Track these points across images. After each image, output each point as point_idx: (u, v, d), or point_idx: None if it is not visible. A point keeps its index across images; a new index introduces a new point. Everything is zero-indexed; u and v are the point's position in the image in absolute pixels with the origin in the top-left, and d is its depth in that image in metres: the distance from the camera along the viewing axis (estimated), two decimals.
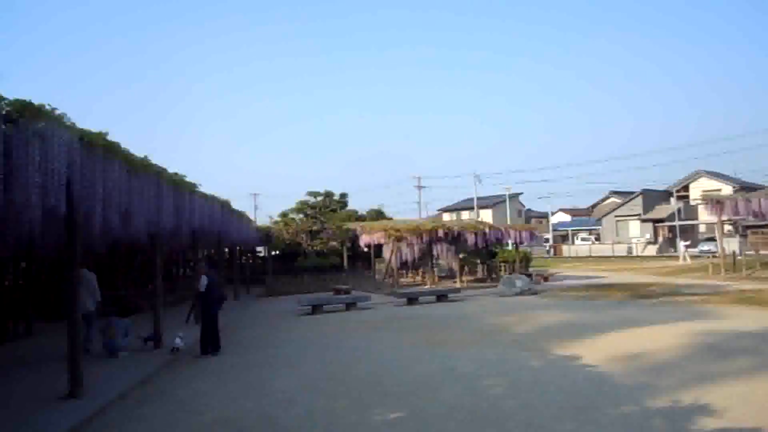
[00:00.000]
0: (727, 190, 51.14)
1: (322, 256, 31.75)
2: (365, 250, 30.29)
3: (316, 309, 16.67)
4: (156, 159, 9.60)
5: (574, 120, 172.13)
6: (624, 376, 7.69)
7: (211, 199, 13.86)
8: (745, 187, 49.72)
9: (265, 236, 28.10)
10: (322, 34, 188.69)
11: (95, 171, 6.91)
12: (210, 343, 10.48)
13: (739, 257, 30.04)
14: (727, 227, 47.63)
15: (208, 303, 10.68)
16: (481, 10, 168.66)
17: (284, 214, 40.75)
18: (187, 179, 11.42)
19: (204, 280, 10.63)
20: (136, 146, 8.47)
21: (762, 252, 35.41)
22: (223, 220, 15.23)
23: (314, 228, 34.73)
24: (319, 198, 41.23)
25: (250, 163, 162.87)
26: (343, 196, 42.61)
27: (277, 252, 33.02)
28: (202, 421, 6.35)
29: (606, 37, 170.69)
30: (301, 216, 39.87)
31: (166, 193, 9.81)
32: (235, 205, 17.77)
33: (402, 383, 7.68)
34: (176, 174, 10.71)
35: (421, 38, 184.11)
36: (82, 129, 6.74)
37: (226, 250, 26.44)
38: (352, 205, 42.77)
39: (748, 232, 50.02)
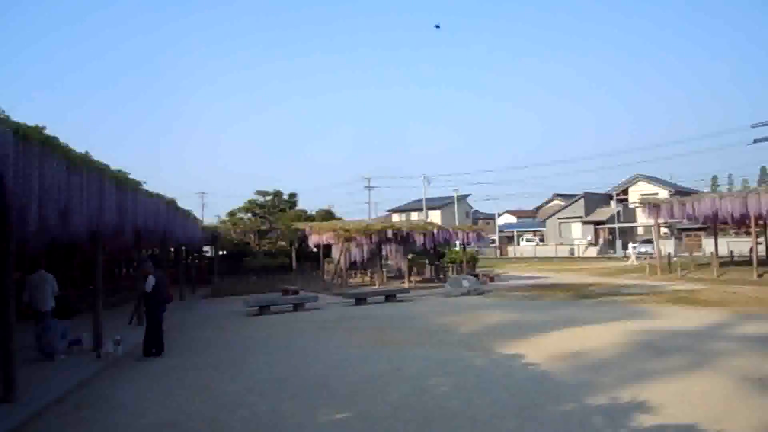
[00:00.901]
0: (663, 194, 53.24)
1: (270, 257, 31.44)
2: (314, 250, 30.16)
3: (263, 310, 16.49)
4: (102, 156, 9.34)
5: (522, 124, 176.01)
6: (565, 374, 7.92)
7: (156, 197, 13.52)
8: (681, 192, 51.98)
9: (212, 236, 27.62)
10: (270, 28, 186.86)
11: (31, 166, 6.64)
12: (154, 345, 10.24)
13: (674, 259, 31.32)
14: (664, 230, 49.63)
15: (154, 304, 10.42)
16: (431, 10, 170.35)
17: (232, 214, 40.13)
18: (132, 176, 11.11)
19: (151, 281, 10.38)
20: (79, 143, 8.13)
21: (695, 254, 36.98)
22: (168, 218, 14.86)
23: (263, 228, 34.38)
24: (268, 197, 40.73)
25: (197, 162, 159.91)
26: (293, 195, 42.24)
27: (225, 252, 32.50)
28: (144, 425, 6.21)
29: (553, 43, 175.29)
30: (249, 216, 39.34)
31: (108, 190, 9.50)
32: (182, 204, 17.39)
33: (349, 384, 7.70)
34: (120, 171, 10.41)
35: (369, 40, 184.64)
36: (17, 123, 6.45)
37: (172, 249, 25.87)
38: (301, 205, 42.47)
39: (683, 234, 52.28)
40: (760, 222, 28.22)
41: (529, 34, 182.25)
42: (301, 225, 30.25)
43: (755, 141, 44.15)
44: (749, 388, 6.86)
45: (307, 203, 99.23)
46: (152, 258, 21.81)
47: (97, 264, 11.30)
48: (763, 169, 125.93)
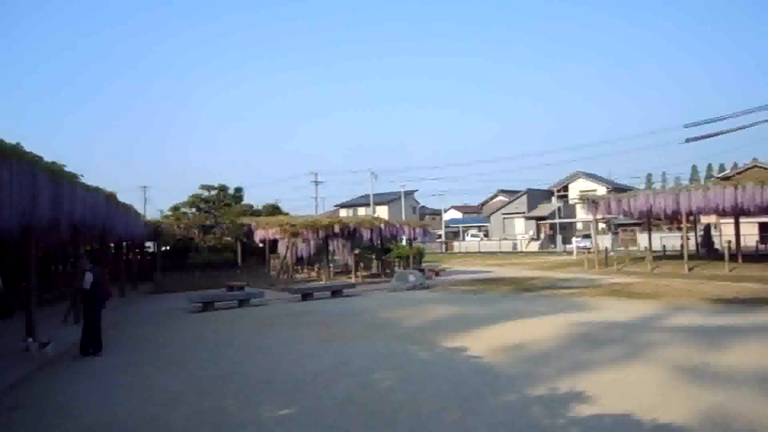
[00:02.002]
0: (601, 190, 55.12)
1: (215, 252, 30.83)
2: (260, 245, 29.80)
3: (207, 306, 16.21)
4: (42, 150, 9.00)
5: (467, 121, 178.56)
6: (506, 366, 8.11)
7: (94, 191, 13.06)
8: (618, 188, 53.87)
9: (155, 231, 26.88)
10: (209, 20, 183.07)
11: None
12: (91, 344, 9.92)
13: (611, 253, 32.49)
14: (601, 225, 51.36)
15: (92, 301, 10.09)
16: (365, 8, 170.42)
17: (176, 208, 39.20)
18: (68, 169, 10.71)
19: (89, 277, 10.03)
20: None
21: (631, 248, 38.45)
22: (107, 213, 14.38)
23: (207, 223, 33.65)
24: (213, 192, 39.99)
25: (140, 156, 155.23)
26: (238, 190, 41.61)
27: (168, 247, 31.69)
28: (81, 426, 6.02)
29: (501, 41, 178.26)
30: (193, 210, 38.52)
31: (42, 183, 9.12)
32: (123, 198, 16.87)
33: (293, 379, 7.68)
34: (54, 163, 10.02)
35: (316, 32, 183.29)
36: None
37: (112, 245, 25.06)
38: (247, 199, 41.91)
39: (619, 229, 54.25)
40: (691, 218, 29.60)
41: (480, 34, 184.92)
42: (247, 220, 29.81)
43: (687, 140, 45.96)
44: (681, 378, 7.16)
45: (254, 198, 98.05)
46: (91, 254, 21.15)
47: (30, 260, 10.85)
48: (694, 167, 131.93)
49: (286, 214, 38.92)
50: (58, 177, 10.05)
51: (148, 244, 31.99)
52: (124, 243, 25.34)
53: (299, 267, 29.94)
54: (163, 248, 30.84)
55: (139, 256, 31.12)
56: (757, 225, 40.47)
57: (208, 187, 39.97)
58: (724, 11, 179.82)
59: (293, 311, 15.51)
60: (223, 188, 40.35)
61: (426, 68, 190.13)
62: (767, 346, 8.86)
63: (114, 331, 12.21)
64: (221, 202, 39.20)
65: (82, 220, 12.11)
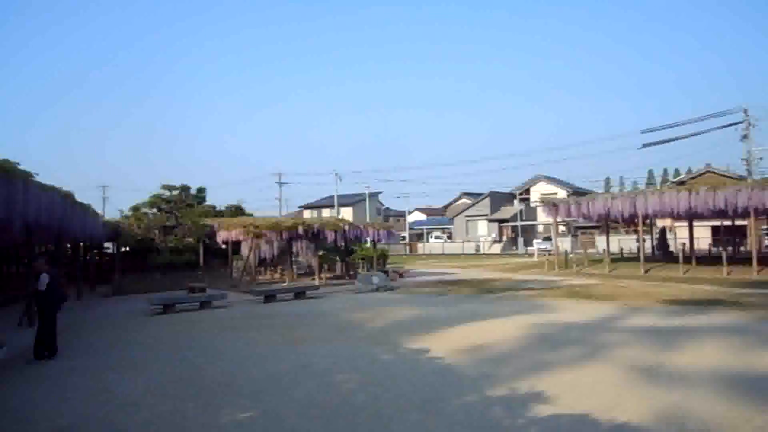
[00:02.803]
0: (562, 194, 56.15)
1: (176, 253, 30.31)
2: (223, 246, 29.43)
3: (168, 308, 15.92)
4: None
5: (432, 124, 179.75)
6: (468, 367, 8.19)
7: (50, 190, 12.72)
8: (577, 192, 55.01)
9: (114, 231, 26.29)
10: (175, 20, 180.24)
11: None
12: (46, 348, 9.65)
13: (570, 255, 33.12)
14: (562, 228, 52.33)
15: (48, 303, 9.81)
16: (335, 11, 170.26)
17: (136, 209, 38.30)
18: (21, 167, 10.42)
19: (44, 279, 9.75)
20: None
21: (590, 250, 39.25)
22: (64, 213, 14.03)
23: (169, 223, 33.10)
24: (175, 192, 39.19)
25: (99, 154, 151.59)
26: (201, 190, 40.90)
27: (128, 248, 31.02)
28: None
29: (465, 46, 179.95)
30: (154, 211, 37.71)
31: None
32: (81, 198, 16.46)
33: (255, 382, 7.62)
34: (7, 161, 9.73)
35: (287, 38, 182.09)
36: None
37: (68, 246, 24.43)
38: (210, 200, 41.19)
39: (579, 232, 55.35)
40: (647, 221, 30.40)
41: (445, 36, 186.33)
42: (209, 221, 29.37)
43: (644, 145, 47.42)
44: (637, 378, 7.32)
45: (217, 199, 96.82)
46: (47, 254, 20.58)
47: None
48: (650, 172, 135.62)
49: (250, 215, 38.49)
50: (10, 175, 9.77)
51: (107, 244, 31.27)
52: (82, 244, 24.70)
53: (262, 269, 29.69)
54: (123, 249, 30.20)
55: (97, 257, 30.40)
56: (709, 228, 41.79)
57: (170, 187, 39.20)
58: (686, 14, 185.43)
59: (256, 313, 15.37)
60: (185, 188, 39.61)
61: (392, 72, 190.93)
62: (720, 347, 9.12)
63: (70, 334, 11.92)
64: (183, 203, 38.47)
65: (37, 220, 11.79)
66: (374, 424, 5.76)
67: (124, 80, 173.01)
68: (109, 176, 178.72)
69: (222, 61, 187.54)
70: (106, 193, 74.11)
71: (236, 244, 27.87)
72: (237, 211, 39.39)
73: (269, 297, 18.30)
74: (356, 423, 5.80)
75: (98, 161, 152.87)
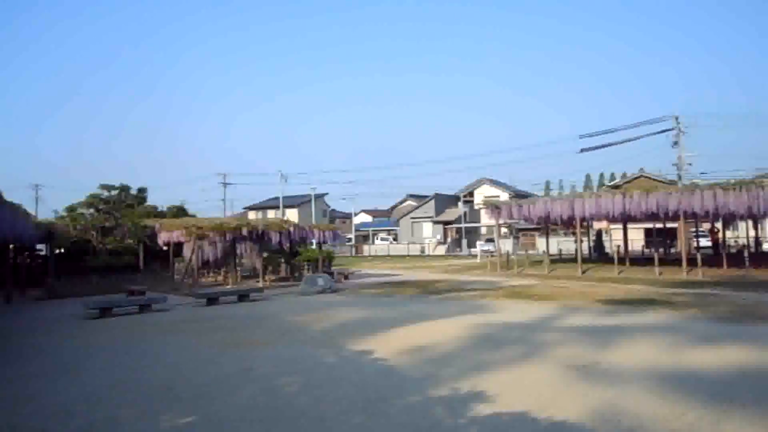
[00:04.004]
0: (504, 196, 57.27)
1: (115, 255, 29.35)
2: (164, 248, 28.73)
3: (105, 312, 15.41)
4: None
5: (378, 125, 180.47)
6: (411, 368, 8.26)
7: None
8: (519, 195, 56.30)
9: (47, 233, 25.21)
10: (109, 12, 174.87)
11: None
12: None
13: (512, 256, 33.86)
14: (504, 229, 53.44)
15: None
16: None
17: (72, 209, 36.87)
18: None
19: None
20: None
21: (531, 252, 40.25)
22: None
23: (107, 224, 32.03)
24: (114, 192, 37.96)
25: (30, 152, 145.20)
26: (142, 190, 39.78)
27: (62, 250, 29.82)
28: None
29: (412, 50, 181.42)
30: (91, 211, 36.42)
31: None
32: (11, 197, 15.74)
33: (195, 387, 7.48)
34: None
35: (227, 36, 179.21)
36: None
37: None
38: (151, 200, 40.13)
39: (520, 234, 56.69)
40: (585, 223, 31.41)
41: (392, 35, 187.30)
42: (150, 222, 28.62)
43: (582, 150, 49.04)
44: (574, 376, 7.54)
45: (159, 199, 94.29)
46: None
47: None
48: (588, 176, 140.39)
49: (193, 215, 37.73)
50: None
51: (39, 246, 30.00)
52: (11, 246, 23.59)
53: (205, 271, 29.13)
54: (58, 251, 29.03)
55: (28, 260, 29.10)
56: (643, 230, 43.51)
57: (109, 187, 37.94)
58: (623, 21, 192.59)
59: (197, 316, 15.08)
60: (125, 188, 38.42)
61: (336, 73, 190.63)
62: (652, 345, 9.47)
63: None
64: (122, 203, 37.30)
65: None
66: (316, 427, 5.76)
67: (58, 71, 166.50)
68: (42, 175, 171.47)
69: (163, 59, 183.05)
70: (39, 192, 70.88)
71: (178, 246, 27.26)
72: (179, 212, 38.52)
73: (212, 300, 17.97)
74: (298, 426, 5.78)
75: (30, 159, 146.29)
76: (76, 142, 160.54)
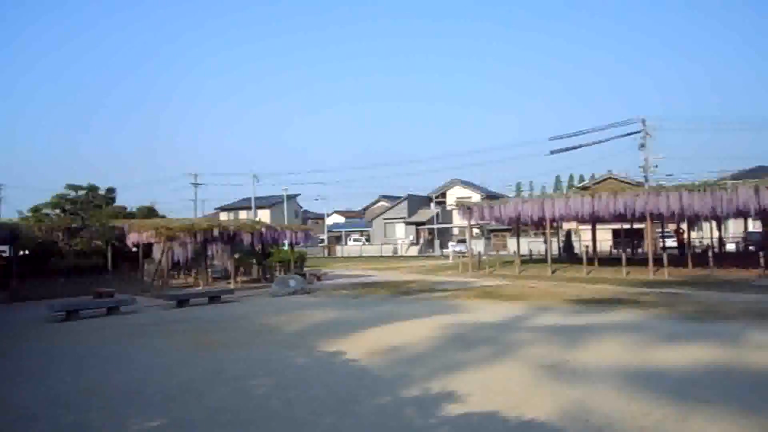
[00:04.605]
0: (476, 197, 57.77)
1: (82, 257, 28.77)
2: (134, 250, 28.25)
3: (71, 315, 15.10)
4: None
5: (351, 127, 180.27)
6: (383, 369, 8.28)
7: None
8: (491, 196, 56.80)
9: (11, 234, 24.59)
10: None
11: None
12: None
13: (484, 257, 34.16)
14: (476, 230, 53.86)
15: None
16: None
17: (36, 209, 36.04)
18: None
19: None
20: None
21: (502, 252, 40.67)
22: None
23: (74, 225, 31.38)
24: (81, 192, 37.21)
25: None
26: (110, 191, 39.07)
27: (27, 252, 29.11)
28: None
29: (386, 50, 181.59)
30: (57, 212, 35.65)
31: None
32: None
33: (164, 390, 7.39)
34: None
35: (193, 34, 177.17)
36: None
37: None
38: (120, 201, 39.47)
39: (492, 234, 57.22)
40: (554, 224, 31.83)
41: (362, 36, 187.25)
42: (119, 222, 28.13)
43: (552, 152, 49.67)
44: (544, 375, 7.65)
45: (128, 200, 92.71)
46: None
47: None
48: (557, 177, 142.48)
49: (163, 216, 37.22)
50: None
51: (2, 248, 29.24)
52: None
53: (176, 272, 28.73)
54: (22, 252, 28.33)
55: None
56: (611, 231, 44.25)
57: (76, 187, 37.18)
58: (596, 25, 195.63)
59: (167, 318, 14.89)
60: (92, 188, 37.69)
61: (308, 73, 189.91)
62: (620, 344, 9.65)
63: None
64: (90, 204, 36.60)
65: None
66: (287, 428, 5.75)
67: (24, 68, 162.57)
68: (5, 175, 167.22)
69: (134, 56, 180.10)
70: (2, 192, 69.04)
71: (148, 247, 26.83)
72: (150, 212, 37.99)
73: (182, 301, 17.76)
74: (269, 428, 5.76)
75: None
76: (42, 141, 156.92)
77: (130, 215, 35.39)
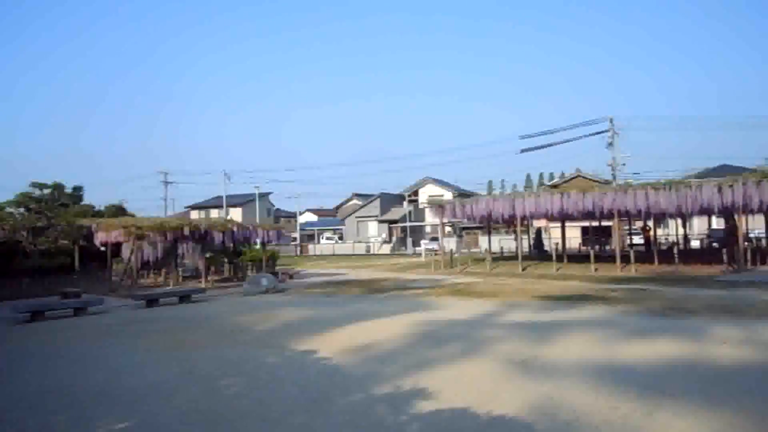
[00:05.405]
0: (448, 195, 58.13)
1: (48, 256, 28.17)
2: (102, 249, 27.76)
3: (36, 316, 14.77)
4: None
5: (323, 124, 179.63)
6: (355, 367, 8.30)
7: None
8: (463, 194, 57.27)
9: None
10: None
11: None
12: None
13: (456, 255, 34.40)
14: (448, 228, 54.21)
15: None
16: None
17: None
18: None
19: None
20: None
21: (474, 250, 40.99)
22: None
23: (39, 224, 30.72)
24: (47, 191, 36.47)
25: None
26: (77, 189, 38.35)
27: None
28: None
29: (352, 51, 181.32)
30: (21, 210, 34.86)
31: None
32: None
33: (133, 391, 7.29)
34: None
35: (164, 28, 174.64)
36: None
37: None
38: (88, 199, 38.79)
39: (464, 232, 57.66)
40: (525, 222, 32.20)
41: (334, 37, 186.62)
42: (86, 221, 27.61)
43: (522, 151, 50.25)
44: (513, 371, 7.74)
45: (96, 198, 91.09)
46: None
47: None
48: (528, 176, 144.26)
49: (132, 215, 36.68)
50: None
51: None
52: None
53: (145, 272, 28.30)
54: None
55: None
56: (579, 229, 44.96)
57: (41, 185, 36.41)
58: (565, 27, 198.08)
59: (136, 318, 14.68)
60: (58, 187, 36.95)
61: (281, 71, 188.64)
62: (588, 339, 9.82)
63: None
64: (56, 202, 35.87)
65: None
66: (259, 427, 5.73)
67: None
68: None
69: (100, 53, 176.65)
70: None
71: (117, 247, 26.37)
72: (118, 211, 37.42)
73: (151, 301, 17.52)
74: (239, 428, 5.73)
75: None
76: (4, 138, 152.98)
77: (99, 214, 34.79)
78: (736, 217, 24.21)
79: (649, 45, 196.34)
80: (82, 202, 37.64)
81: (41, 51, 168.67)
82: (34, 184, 36.38)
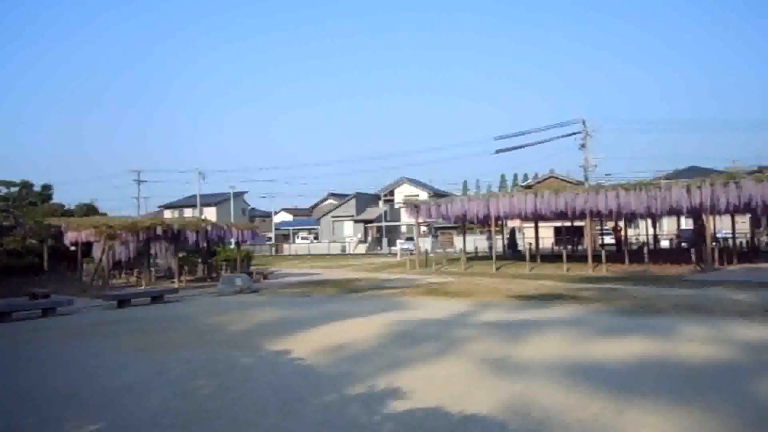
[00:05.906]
0: (424, 195, 58.34)
1: (15, 256, 27.58)
2: (72, 249, 27.28)
3: (3, 317, 14.44)
4: None
5: (299, 124, 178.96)
6: (329, 367, 8.29)
7: None
8: (438, 194, 57.55)
9: None
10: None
11: None
12: None
13: (431, 254, 34.58)
14: (423, 228, 54.40)
15: None
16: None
17: None
18: None
19: None
20: None
21: (448, 250, 41.20)
22: None
23: (6, 223, 30.06)
24: (14, 189, 35.68)
25: None
26: (46, 187, 37.60)
27: None
28: None
29: (331, 50, 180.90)
30: None
31: None
32: None
33: (103, 392, 7.19)
34: None
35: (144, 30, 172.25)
36: None
37: None
38: (57, 198, 38.06)
39: (439, 232, 57.95)
40: (499, 222, 32.49)
41: (315, 36, 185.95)
42: (56, 221, 27.11)
43: (497, 151, 50.67)
44: (487, 370, 7.80)
45: (67, 197, 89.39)
46: None
47: None
48: (502, 176, 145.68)
49: (104, 214, 36.14)
50: None
51: None
52: None
53: (117, 272, 27.91)
54: None
55: None
56: (552, 229, 45.52)
57: (8, 183, 35.59)
58: (540, 25, 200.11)
59: (107, 319, 14.46)
60: (26, 185, 36.16)
61: (261, 71, 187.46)
62: (560, 338, 9.95)
63: None
64: (24, 201, 35.11)
65: None
66: (231, 428, 5.69)
67: None
68: None
69: (71, 49, 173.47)
70: None
71: (87, 246, 25.96)
72: (90, 210, 36.83)
73: (123, 301, 17.27)
74: (211, 429, 5.69)
75: None
76: None
77: (69, 213, 34.20)
78: (704, 217, 24.71)
79: (623, 47, 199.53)
80: (52, 201, 36.94)
81: (8, 51, 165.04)
82: (1, 182, 35.57)
